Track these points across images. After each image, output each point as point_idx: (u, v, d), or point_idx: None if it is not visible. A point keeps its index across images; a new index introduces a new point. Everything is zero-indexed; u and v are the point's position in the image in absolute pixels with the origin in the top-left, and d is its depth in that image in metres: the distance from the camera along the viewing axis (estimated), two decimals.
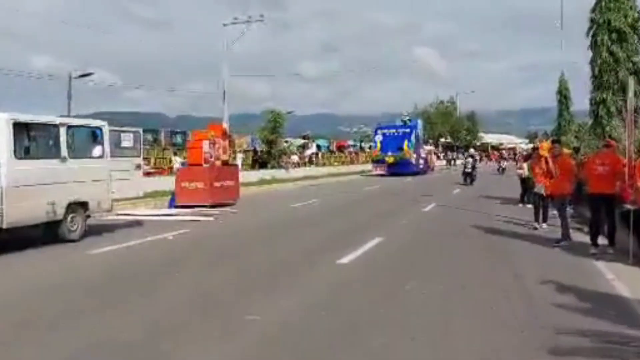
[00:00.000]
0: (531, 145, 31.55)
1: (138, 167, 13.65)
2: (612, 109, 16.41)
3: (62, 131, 10.66)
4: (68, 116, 22.31)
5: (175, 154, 29.93)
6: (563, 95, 29.94)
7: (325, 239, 11.18)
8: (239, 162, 29.56)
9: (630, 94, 8.88)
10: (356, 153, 55.73)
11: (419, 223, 13.87)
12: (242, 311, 5.91)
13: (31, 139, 10.58)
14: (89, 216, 11.45)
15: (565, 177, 10.72)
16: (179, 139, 33.71)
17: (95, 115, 21.34)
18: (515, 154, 58.66)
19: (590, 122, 18.82)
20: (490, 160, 64.49)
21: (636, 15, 16.64)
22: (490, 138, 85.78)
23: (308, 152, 45.74)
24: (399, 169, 37.31)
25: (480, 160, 62.84)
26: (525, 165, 16.60)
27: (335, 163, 48.45)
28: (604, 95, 16.61)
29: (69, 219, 10.72)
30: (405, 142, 38.89)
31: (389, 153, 38.61)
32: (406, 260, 9.07)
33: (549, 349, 4.72)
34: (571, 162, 11.53)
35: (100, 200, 11.57)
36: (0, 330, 5.41)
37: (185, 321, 5.62)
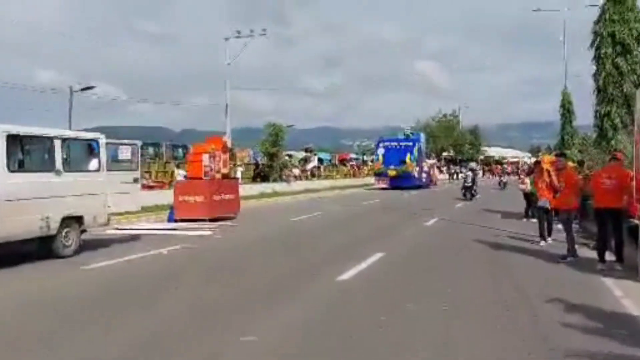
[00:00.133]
0: (534, 159, 31.26)
1: (135, 180, 13.44)
2: (617, 121, 16.26)
3: (57, 144, 10.45)
4: (69, 130, 22.18)
5: (178, 166, 29.79)
6: (566, 109, 29.47)
7: (326, 254, 10.97)
8: (238, 175, 29.39)
9: (638, 106, 8.68)
10: (358, 166, 55.53)
11: (421, 238, 13.66)
12: (238, 330, 5.71)
13: (25, 152, 10.37)
14: (84, 231, 11.23)
15: (571, 191, 10.51)
16: (180, 152, 33.60)
17: (98, 129, 21.22)
18: (517, 168, 58.32)
19: (594, 135, 18.67)
20: (493, 174, 63.28)
21: None
22: (493, 152, 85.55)
23: (310, 165, 45.56)
24: (402, 182, 37.05)
25: (483, 174, 62.40)
26: (527, 180, 16.40)
27: (337, 176, 48.23)
28: (609, 108, 16.50)
29: (63, 233, 10.46)
30: (408, 156, 38.69)
31: (392, 166, 38.37)
32: (408, 276, 8.84)
33: None
34: (576, 175, 11.32)
35: (96, 215, 11.35)
36: None
37: (177, 340, 5.41)
